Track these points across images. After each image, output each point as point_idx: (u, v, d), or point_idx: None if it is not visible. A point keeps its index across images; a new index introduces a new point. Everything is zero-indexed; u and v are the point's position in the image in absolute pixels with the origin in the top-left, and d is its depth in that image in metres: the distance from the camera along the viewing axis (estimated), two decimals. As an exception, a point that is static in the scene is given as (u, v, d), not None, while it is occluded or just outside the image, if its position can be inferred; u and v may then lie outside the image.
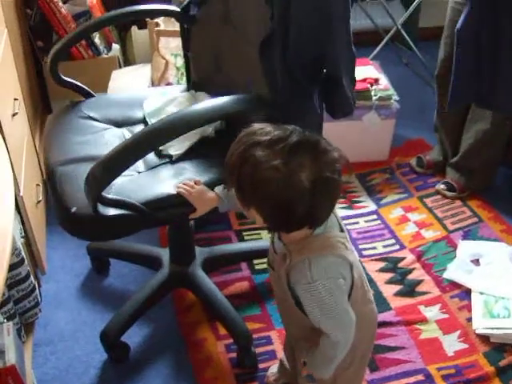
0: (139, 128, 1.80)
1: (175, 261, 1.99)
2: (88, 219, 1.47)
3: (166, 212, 1.53)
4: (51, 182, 1.64)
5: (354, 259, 1.27)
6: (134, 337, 1.93)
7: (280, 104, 1.55)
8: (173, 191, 1.52)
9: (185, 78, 2.13)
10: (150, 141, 1.45)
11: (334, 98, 1.63)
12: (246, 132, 1.16)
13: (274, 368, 1.79)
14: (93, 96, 1.98)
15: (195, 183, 1.52)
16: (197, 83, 2.00)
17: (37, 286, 1.99)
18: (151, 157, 1.68)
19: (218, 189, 1.49)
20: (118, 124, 1.85)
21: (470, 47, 2.13)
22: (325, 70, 1.57)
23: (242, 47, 1.72)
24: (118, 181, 1.49)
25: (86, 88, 1.98)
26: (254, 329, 1.91)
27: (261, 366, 1.85)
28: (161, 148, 1.68)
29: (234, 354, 1.88)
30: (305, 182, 1.09)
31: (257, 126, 1.17)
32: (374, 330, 1.50)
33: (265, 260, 2.13)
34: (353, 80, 1.66)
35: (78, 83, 1.97)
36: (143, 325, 1.97)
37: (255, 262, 2.20)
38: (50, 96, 2.81)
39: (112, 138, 1.76)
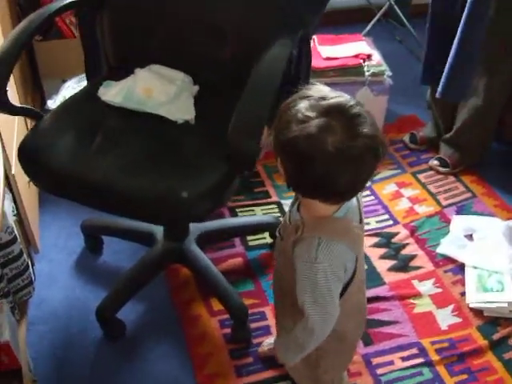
0: (113, 122, 1.72)
1: (169, 236, 1.98)
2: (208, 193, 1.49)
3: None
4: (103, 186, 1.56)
5: (362, 253, 1.27)
6: (128, 314, 1.93)
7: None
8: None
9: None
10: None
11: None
12: (292, 98, 1.12)
13: (270, 339, 1.80)
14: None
15: None
16: (120, 62, 1.94)
17: (30, 264, 1.98)
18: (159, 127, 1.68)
19: None
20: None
21: (441, 20, 2.14)
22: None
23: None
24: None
25: (37, 110, 1.82)
26: (248, 304, 1.90)
27: (255, 341, 1.85)
28: (174, 119, 1.68)
29: (228, 330, 1.88)
30: (329, 146, 1.03)
31: (317, 86, 1.13)
32: (363, 318, 1.50)
33: (258, 236, 2.19)
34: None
35: (30, 107, 1.85)
36: (138, 302, 1.97)
37: (249, 238, 2.20)
38: (41, 74, 2.78)
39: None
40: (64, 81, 2.63)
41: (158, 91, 1.75)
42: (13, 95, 2.09)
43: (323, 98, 1.07)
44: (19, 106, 1.80)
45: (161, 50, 1.87)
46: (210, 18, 1.80)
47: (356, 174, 1.08)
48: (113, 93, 1.77)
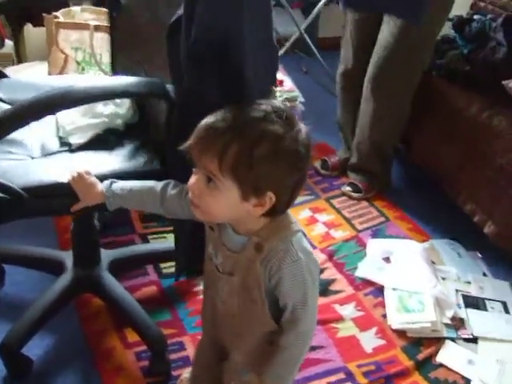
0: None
1: (79, 264, 1.84)
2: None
3: (46, 201, 1.41)
4: None
5: None
6: (35, 349, 1.76)
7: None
8: (59, 179, 1.38)
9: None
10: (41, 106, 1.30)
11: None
12: (229, 115, 1.06)
13: (189, 372, 1.68)
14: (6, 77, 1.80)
15: (86, 174, 1.37)
16: None
17: None
18: (51, 143, 1.57)
19: (105, 185, 1.33)
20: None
21: None
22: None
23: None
24: (4, 163, 1.38)
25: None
26: (165, 335, 1.78)
27: (174, 373, 1.74)
28: (61, 135, 1.57)
29: (145, 362, 1.75)
30: (306, 147, 1.08)
31: (227, 109, 1.08)
32: None
33: (171, 264, 2.07)
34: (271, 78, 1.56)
35: None
36: (45, 335, 1.80)
37: (162, 265, 2.10)
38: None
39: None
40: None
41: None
42: None
43: (277, 111, 1.06)
44: None
45: None
46: None
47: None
48: None
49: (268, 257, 1.12)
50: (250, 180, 1.04)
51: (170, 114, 1.42)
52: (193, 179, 1.09)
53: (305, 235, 1.19)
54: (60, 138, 1.57)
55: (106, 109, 1.64)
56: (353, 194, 2.55)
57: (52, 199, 1.42)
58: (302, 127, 1.08)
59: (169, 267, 2.08)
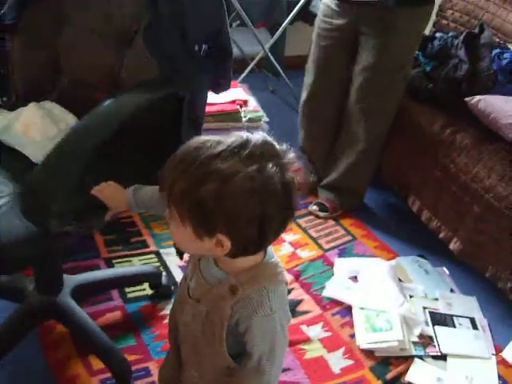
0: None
1: (41, 290, 1.79)
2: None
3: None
4: None
5: None
6: (-3, 379, 1.72)
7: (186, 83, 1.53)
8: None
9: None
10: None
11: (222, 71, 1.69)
12: (187, 149, 1.00)
13: None
14: None
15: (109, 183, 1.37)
16: (23, 95, 1.82)
17: None
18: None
19: (130, 192, 1.33)
20: None
21: None
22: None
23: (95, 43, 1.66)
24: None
25: None
26: (130, 361, 1.75)
27: (139, 400, 1.70)
28: (35, 161, 1.56)
29: (110, 390, 1.72)
30: (278, 186, 0.97)
31: (194, 140, 1.01)
32: None
33: (137, 288, 2.05)
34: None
35: None
36: (7, 364, 1.74)
37: (127, 290, 2.05)
38: None
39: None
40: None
41: (36, 129, 1.63)
42: None
43: (238, 147, 0.98)
44: None
45: (61, 90, 1.77)
46: (108, 69, 1.71)
47: (295, 199, 1.05)
48: None
49: (240, 303, 1.07)
50: (196, 219, 0.99)
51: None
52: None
53: (286, 286, 1.15)
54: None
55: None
56: (319, 213, 2.54)
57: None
58: (283, 165, 0.99)
59: (134, 291, 2.05)
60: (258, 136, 1.01)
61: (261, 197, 0.96)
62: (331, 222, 2.52)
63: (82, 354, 1.81)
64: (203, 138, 1.02)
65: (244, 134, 1.01)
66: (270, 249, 1.13)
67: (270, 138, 1.03)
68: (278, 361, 1.14)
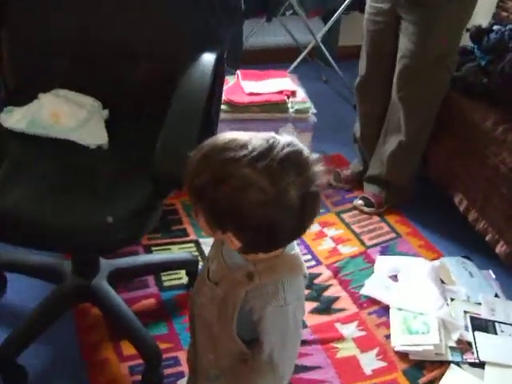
0: (19, 150, 1.59)
1: (78, 273, 1.82)
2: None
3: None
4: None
5: None
6: (31, 358, 1.74)
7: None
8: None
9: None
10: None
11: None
12: (214, 144, 1.00)
13: (182, 382, 1.66)
14: None
15: None
16: (19, 88, 1.83)
17: None
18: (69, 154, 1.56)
19: None
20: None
21: None
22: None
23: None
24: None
25: None
26: (161, 349, 1.75)
27: (167, 388, 1.71)
28: (86, 144, 1.58)
29: (138, 377, 1.72)
30: (293, 199, 0.97)
31: (224, 136, 1.01)
32: None
33: (174, 276, 2.05)
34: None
35: None
36: (42, 345, 1.78)
37: (164, 278, 2.06)
38: None
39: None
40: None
41: (67, 116, 1.64)
42: None
43: (259, 156, 0.96)
44: None
45: (67, 74, 1.76)
46: (119, 40, 1.72)
47: (318, 210, 1.06)
48: (15, 119, 1.65)
49: (255, 291, 1.10)
50: (211, 214, 1.01)
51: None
52: None
53: (305, 279, 1.16)
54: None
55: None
56: (364, 208, 2.49)
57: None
58: (304, 173, 0.98)
59: (170, 280, 2.05)
60: (285, 142, 0.99)
61: (272, 209, 0.97)
62: (376, 218, 2.47)
63: (114, 339, 1.84)
64: (232, 134, 1.01)
65: (271, 138, 0.99)
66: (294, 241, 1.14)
67: (299, 145, 1.00)
68: (290, 352, 1.16)
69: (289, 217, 0.99)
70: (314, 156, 1.02)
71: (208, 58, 1.53)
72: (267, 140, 0.98)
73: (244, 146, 0.97)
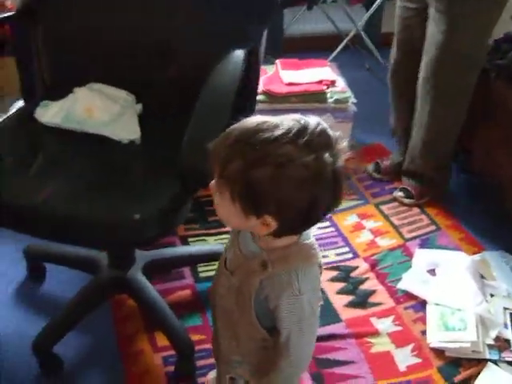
0: (54, 145, 1.62)
1: (113, 264, 1.85)
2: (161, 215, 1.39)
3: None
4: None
5: None
6: (68, 347, 1.78)
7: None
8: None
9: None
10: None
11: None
12: (244, 128, 0.99)
13: (213, 373, 1.66)
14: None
15: None
16: (57, 82, 1.85)
17: None
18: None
19: None
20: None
21: None
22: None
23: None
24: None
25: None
26: (194, 340, 1.76)
27: (200, 380, 1.71)
28: (118, 139, 1.59)
29: (171, 368, 1.74)
30: (329, 173, 0.97)
31: (252, 119, 1.00)
32: None
33: (210, 267, 2.06)
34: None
35: None
36: (79, 334, 1.82)
37: (199, 269, 2.07)
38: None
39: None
40: (19, 99, 2.52)
41: (100, 110, 1.66)
42: None
43: (297, 133, 0.96)
44: None
45: (101, 69, 1.78)
46: (153, 35, 1.72)
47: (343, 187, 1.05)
48: (51, 114, 1.67)
49: (269, 280, 1.10)
50: (246, 199, 1.00)
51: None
52: (212, 181, 1.07)
53: (320, 269, 1.15)
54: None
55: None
56: (404, 199, 2.44)
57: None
58: (336, 152, 0.98)
59: (206, 271, 2.06)
60: (314, 122, 0.99)
61: (313, 185, 0.97)
62: (416, 210, 2.42)
63: (149, 330, 1.85)
64: (260, 118, 1.01)
65: (301, 119, 0.99)
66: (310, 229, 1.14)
67: (325, 125, 1.01)
68: (307, 338, 1.16)
69: (326, 192, 0.99)
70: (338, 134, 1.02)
71: (238, 54, 1.51)
72: (298, 120, 0.99)
73: (277, 126, 0.97)
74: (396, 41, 2.36)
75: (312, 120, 0.99)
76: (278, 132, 0.96)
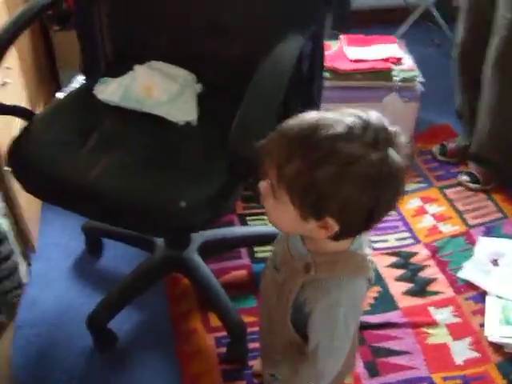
0: (110, 123, 1.60)
1: (170, 244, 1.86)
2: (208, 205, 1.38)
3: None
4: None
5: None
6: (123, 323, 1.82)
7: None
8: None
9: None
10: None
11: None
12: (301, 125, 0.94)
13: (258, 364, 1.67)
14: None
15: None
16: (116, 60, 1.83)
17: (25, 264, 1.90)
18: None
19: None
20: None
21: None
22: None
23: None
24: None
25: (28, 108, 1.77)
26: (247, 322, 1.75)
27: (251, 362, 1.72)
28: (175, 121, 1.56)
29: (223, 349, 1.75)
30: (392, 171, 0.92)
31: (309, 116, 0.95)
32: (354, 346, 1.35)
33: (267, 248, 2.04)
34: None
35: (20, 105, 1.77)
36: (134, 311, 1.86)
37: (256, 249, 2.06)
38: (58, 65, 2.70)
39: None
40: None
41: (159, 90, 1.64)
42: (15, 86, 1.99)
43: (361, 130, 0.92)
44: (8, 104, 1.65)
45: (162, 46, 1.76)
46: (213, 15, 1.68)
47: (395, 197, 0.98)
48: (110, 91, 1.67)
49: (311, 284, 1.07)
50: (307, 201, 0.94)
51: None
52: (262, 183, 1.02)
53: (369, 283, 1.11)
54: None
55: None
56: (470, 184, 2.35)
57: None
58: (398, 149, 0.93)
59: (263, 251, 2.05)
60: (374, 117, 0.94)
61: (380, 185, 0.92)
62: (482, 196, 2.32)
63: (203, 310, 1.87)
64: (317, 113, 0.96)
65: (362, 114, 0.94)
66: (361, 239, 1.08)
67: (385, 120, 0.95)
68: (335, 355, 1.11)
69: (389, 190, 0.94)
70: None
71: (296, 38, 1.46)
72: (359, 116, 0.93)
73: (338, 121, 0.92)
74: (463, 18, 2.25)
75: (372, 115, 0.94)
76: (339, 129, 0.91)
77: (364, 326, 1.78)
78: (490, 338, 1.76)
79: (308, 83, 1.61)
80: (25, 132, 1.58)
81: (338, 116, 0.94)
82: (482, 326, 1.81)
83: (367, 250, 1.09)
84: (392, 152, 0.92)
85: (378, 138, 0.91)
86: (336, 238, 1.00)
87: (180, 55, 1.73)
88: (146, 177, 1.43)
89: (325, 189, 0.91)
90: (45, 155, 1.50)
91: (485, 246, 2.06)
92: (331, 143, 0.90)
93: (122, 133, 1.57)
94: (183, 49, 1.74)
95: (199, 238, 1.89)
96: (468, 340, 1.77)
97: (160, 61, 1.72)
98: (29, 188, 1.55)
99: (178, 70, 1.71)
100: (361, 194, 0.92)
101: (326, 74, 2.36)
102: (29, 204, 1.98)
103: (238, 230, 2.15)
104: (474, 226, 2.18)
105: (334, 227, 0.96)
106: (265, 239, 2.05)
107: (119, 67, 1.73)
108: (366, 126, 0.92)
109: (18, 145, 1.55)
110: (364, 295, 1.12)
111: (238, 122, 1.27)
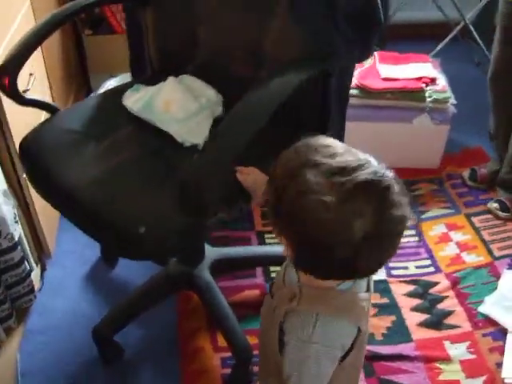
0: (125, 131, 1.58)
1: (181, 259, 1.83)
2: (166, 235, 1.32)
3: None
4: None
5: (366, 326, 1.10)
6: (130, 335, 1.81)
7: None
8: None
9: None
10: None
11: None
12: (307, 143, 0.94)
13: None
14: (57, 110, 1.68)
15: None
16: (159, 69, 1.81)
17: (39, 271, 1.95)
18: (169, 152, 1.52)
19: None
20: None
21: None
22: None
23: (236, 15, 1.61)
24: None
25: (53, 104, 1.75)
26: (253, 344, 1.71)
27: (255, 385, 1.68)
28: (180, 141, 1.53)
29: (228, 370, 1.72)
30: (357, 232, 0.87)
31: (322, 139, 0.95)
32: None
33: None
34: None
35: (44, 100, 1.75)
36: (143, 324, 1.84)
37: (272, 269, 2.02)
38: (89, 69, 2.71)
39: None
40: (112, 76, 2.55)
41: (178, 106, 1.61)
42: (39, 91, 1.99)
43: (340, 170, 0.88)
44: (30, 98, 1.64)
45: (199, 63, 1.73)
46: (253, 42, 1.62)
47: (385, 257, 0.95)
48: (135, 99, 1.65)
49: (291, 314, 1.05)
50: (273, 213, 0.96)
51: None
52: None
53: (359, 334, 1.06)
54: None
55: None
56: (499, 212, 2.26)
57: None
58: (381, 209, 0.88)
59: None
60: (375, 168, 0.89)
61: (326, 229, 0.88)
62: (511, 226, 2.24)
63: (212, 328, 1.84)
64: (327, 141, 0.95)
65: (364, 160, 0.90)
66: (365, 282, 1.06)
67: (388, 177, 0.89)
68: None
69: (342, 247, 0.88)
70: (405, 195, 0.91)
71: (298, 71, 1.40)
72: (359, 159, 0.90)
73: (332, 155, 0.90)
74: (498, 39, 2.15)
75: (373, 166, 0.90)
76: (325, 160, 0.90)
77: (374, 357, 1.73)
78: (507, 381, 1.68)
79: (323, 111, 1.55)
80: (39, 128, 1.58)
81: (341, 151, 0.92)
82: (499, 365, 1.73)
83: (363, 295, 1.05)
84: (365, 211, 0.87)
85: (350, 186, 0.87)
86: (296, 266, 1.00)
87: (212, 74, 1.68)
88: (124, 195, 1.37)
89: (282, 207, 0.92)
90: (48, 153, 1.50)
91: (510, 279, 1.98)
92: (304, 168, 0.90)
93: (129, 143, 1.54)
94: (216, 68, 1.70)
95: (212, 255, 1.86)
96: (482, 379, 1.70)
97: (194, 76, 1.69)
98: (33, 184, 1.56)
99: (206, 88, 1.66)
100: (306, 227, 0.89)
101: (356, 92, 2.31)
102: (46, 210, 1.98)
103: (253, 249, 2.11)
104: (499, 258, 2.09)
105: (289, 251, 0.96)
106: (279, 260, 2.01)
107: (159, 75, 1.71)
108: (353, 170, 0.88)
109: (27, 139, 1.55)
110: (345, 339, 1.06)
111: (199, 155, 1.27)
